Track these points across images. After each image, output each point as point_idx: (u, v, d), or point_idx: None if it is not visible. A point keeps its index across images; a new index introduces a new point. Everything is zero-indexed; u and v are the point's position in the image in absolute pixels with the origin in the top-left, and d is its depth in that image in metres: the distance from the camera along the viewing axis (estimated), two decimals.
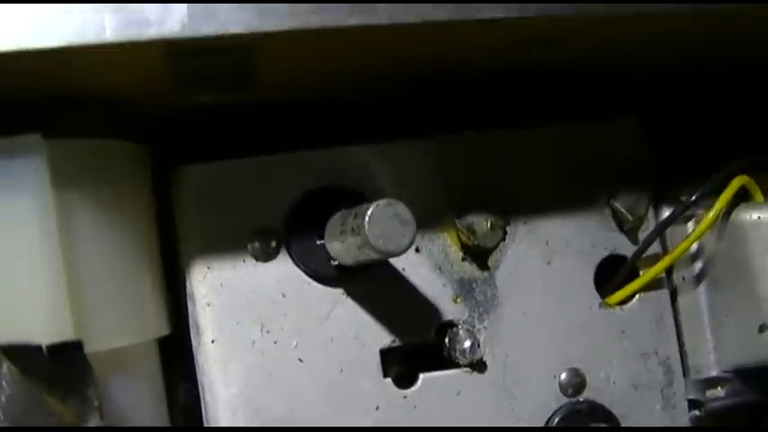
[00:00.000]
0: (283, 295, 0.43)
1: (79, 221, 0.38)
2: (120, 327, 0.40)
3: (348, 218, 0.40)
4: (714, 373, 0.49)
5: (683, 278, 0.49)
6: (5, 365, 0.35)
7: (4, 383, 0.35)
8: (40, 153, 0.37)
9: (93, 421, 0.37)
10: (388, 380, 0.44)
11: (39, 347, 0.36)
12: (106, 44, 0.32)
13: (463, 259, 0.46)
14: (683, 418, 0.48)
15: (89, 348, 0.38)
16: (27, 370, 0.35)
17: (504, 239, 0.46)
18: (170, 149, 0.44)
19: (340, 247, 0.41)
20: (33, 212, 0.37)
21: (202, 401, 0.43)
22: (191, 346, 0.44)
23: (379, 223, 0.38)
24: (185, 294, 0.43)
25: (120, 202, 0.40)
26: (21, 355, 0.35)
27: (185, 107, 0.42)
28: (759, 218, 0.47)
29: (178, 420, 0.47)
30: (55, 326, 0.37)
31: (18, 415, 0.35)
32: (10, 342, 0.35)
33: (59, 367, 0.37)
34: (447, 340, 0.45)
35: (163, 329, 0.43)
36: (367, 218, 0.38)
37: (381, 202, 0.39)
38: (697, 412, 0.49)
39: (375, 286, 0.44)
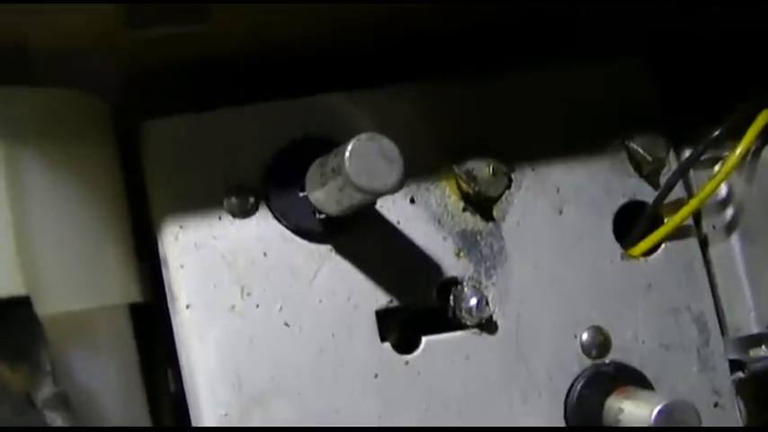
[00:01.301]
0: (265, 254, 0.39)
1: (30, 170, 0.35)
2: (78, 287, 0.36)
3: (328, 159, 0.36)
4: (756, 330, 0.44)
5: (714, 227, 0.45)
6: None
7: None
8: None
9: (46, 388, 0.33)
10: (387, 344, 0.40)
11: None
12: None
13: (464, 210, 0.41)
14: (725, 380, 0.43)
15: (42, 310, 0.34)
16: None
17: (509, 187, 0.42)
18: (140, 110, 0.41)
19: (322, 194, 0.37)
20: None
21: (183, 375, 0.39)
22: None
23: (361, 158, 0.35)
24: (159, 260, 0.40)
25: (76, 156, 0.37)
26: None
27: (151, 63, 0.39)
28: None
29: (165, 410, 0.43)
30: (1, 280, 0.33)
31: None
32: None
33: (5, 327, 0.33)
34: (451, 299, 0.41)
35: (131, 296, 0.39)
36: (347, 153, 0.35)
37: (362, 135, 0.35)
38: (740, 374, 0.44)
39: (367, 242, 0.40)
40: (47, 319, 0.34)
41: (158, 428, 0.41)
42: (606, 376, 0.42)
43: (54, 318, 0.34)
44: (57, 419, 0.33)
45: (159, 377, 0.43)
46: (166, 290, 0.39)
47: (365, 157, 0.35)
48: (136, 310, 0.40)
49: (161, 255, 0.39)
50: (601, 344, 0.42)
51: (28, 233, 0.34)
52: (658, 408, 0.38)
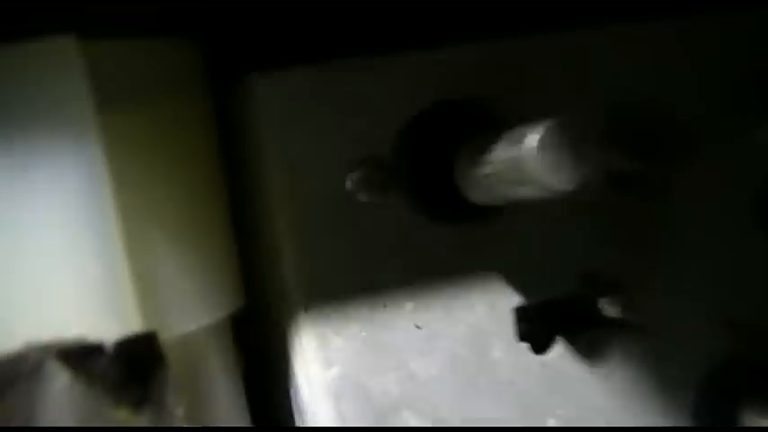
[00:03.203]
0: (394, 242, 0.33)
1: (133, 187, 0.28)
2: (194, 304, 0.29)
3: (496, 142, 0.30)
4: None
5: None
6: (63, 378, 0.24)
7: (64, 401, 0.24)
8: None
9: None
10: (523, 345, 0.35)
11: (100, 347, 0.26)
12: None
13: (612, 197, 0.36)
14: None
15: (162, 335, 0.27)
16: (90, 378, 0.25)
17: (667, 173, 0.36)
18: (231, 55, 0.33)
19: (480, 184, 0.31)
20: (81, 176, 0.26)
21: (293, 390, 0.33)
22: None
23: (550, 150, 0.28)
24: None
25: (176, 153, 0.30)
26: (80, 359, 0.25)
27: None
28: None
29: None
30: (118, 316, 0.26)
31: None
32: (64, 343, 0.25)
33: (127, 369, 0.26)
34: (590, 292, 0.36)
35: (239, 300, 0.32)
36: (537, 143, 0.28)
37: (553, 122, 0.28)
38: None
39: (506, 230, 0.34)
40: (166, 344, 0.27)
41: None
42: (737, 379, 0.38)
43: (172, 342, 0.28)
44: None
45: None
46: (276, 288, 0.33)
47: (554, 148, 0.28)
48: None
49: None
50: (737, 339, 0.38)
51: (140, 257, 0.27)
52: None
